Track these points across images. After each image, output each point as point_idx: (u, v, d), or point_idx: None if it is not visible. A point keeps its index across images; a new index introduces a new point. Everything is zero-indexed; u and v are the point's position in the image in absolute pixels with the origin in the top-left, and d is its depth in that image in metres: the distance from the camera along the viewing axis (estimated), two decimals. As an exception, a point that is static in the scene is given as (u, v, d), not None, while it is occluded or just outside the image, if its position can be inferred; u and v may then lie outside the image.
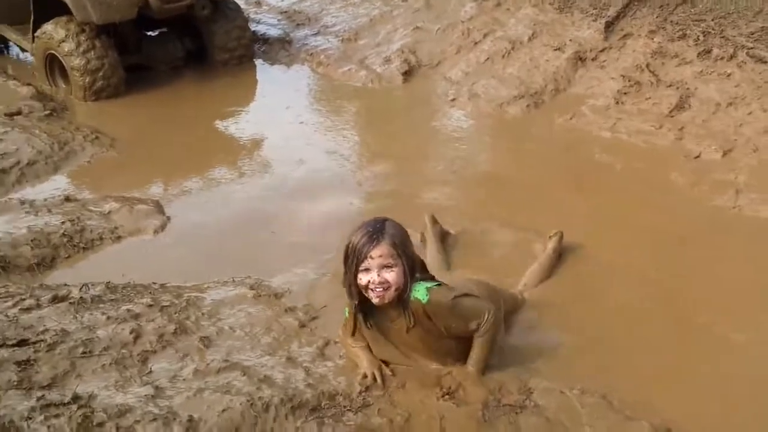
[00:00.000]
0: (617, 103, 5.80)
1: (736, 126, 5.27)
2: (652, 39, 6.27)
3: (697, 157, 5.09)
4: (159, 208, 4.85)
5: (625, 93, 5.86)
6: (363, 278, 3.01)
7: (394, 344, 3.22)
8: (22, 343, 3.30)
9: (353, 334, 3.29)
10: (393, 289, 3.01)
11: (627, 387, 3.11)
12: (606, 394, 3.06)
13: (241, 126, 6.27)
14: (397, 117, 6.26)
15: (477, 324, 3.13)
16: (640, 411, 2.98)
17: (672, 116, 5.51)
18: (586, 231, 4.32)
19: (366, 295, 3.06)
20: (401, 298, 3.06)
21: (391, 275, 2.99)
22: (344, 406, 3.08)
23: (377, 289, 3.00)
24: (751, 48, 5.87)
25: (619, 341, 3.44)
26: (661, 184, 4.90)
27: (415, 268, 3.07)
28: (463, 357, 3.23)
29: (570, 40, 6.60)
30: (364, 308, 3.15)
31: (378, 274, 2.98)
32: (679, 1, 6.74)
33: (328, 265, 4.11)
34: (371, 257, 2.97)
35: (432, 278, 3.19)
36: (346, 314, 3.28)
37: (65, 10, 6.26)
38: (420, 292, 3.05)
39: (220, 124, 6.27)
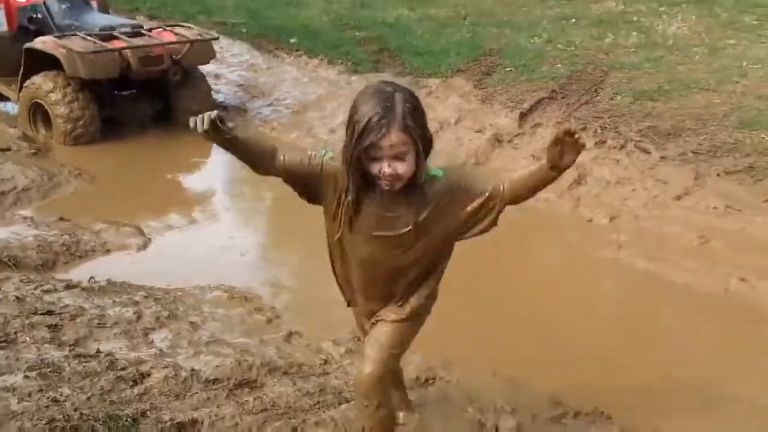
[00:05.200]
0: (526, 178, 6.93)
1: (622, 199, 6.45)
2: (558, 129, 7.48)
3: (590, 221, 6.25)
4: (140, 230, 5.67)
5: (533, 170, 7.00)
6: (372, 167, 2.58)
7: (374, 248, 2.80)
8: (49, 312, 4.09)
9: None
10: (404, 179, 2.60)
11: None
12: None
13: (200, 171, 7.29)
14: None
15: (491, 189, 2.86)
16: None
17: (571, 189, 6.67)
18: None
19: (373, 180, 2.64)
20: (413, 185, 2.65)
21: (403, 166, 2.56)
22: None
23: (387, 180, 2.59)
24: (639, 141, 7.13)
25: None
26: (559, 241, 6.05)
27: (428, 149, 2.63)
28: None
29: (489, 124, 7.79)
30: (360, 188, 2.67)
31: (389, 165, 2.55)
32: (582, 102, 8.06)
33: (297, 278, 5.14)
34: (380, 147, 2.52)
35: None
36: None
37: (53, 66, 7.11)
38: (435, 170, 2.73)
39: (181, 172, 7.19)
